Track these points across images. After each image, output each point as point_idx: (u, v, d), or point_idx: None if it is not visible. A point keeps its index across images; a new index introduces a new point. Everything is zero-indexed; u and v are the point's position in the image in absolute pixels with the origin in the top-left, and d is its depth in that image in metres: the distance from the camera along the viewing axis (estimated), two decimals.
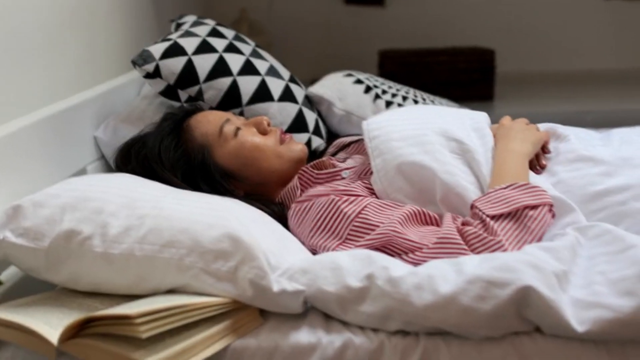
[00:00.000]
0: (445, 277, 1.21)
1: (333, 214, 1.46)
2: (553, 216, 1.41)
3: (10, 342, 1.23)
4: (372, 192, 1.56)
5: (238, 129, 1.69)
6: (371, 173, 1.58)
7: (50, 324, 1.18)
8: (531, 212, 1.36)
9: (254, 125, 1.73)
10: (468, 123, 1.65)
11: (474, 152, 1.54)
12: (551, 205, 1.40)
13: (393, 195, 1.52)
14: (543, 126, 1.73)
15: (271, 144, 1.70)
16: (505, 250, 1.30)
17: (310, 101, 2.16)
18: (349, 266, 1.27)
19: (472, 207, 1.40)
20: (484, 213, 1.36)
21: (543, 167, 1.60)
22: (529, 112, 1.88)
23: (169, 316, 1.13)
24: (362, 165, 1.69)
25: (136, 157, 1.68)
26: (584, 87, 3.30)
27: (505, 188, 1.41)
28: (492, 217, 1.35)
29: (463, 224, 1.38)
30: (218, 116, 1.73)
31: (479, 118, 1.69)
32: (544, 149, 1.63)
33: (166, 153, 1.65)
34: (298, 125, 2.02)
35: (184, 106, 1.88)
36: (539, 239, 1.36)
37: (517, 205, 1.36)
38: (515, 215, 1.36)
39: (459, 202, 1.47)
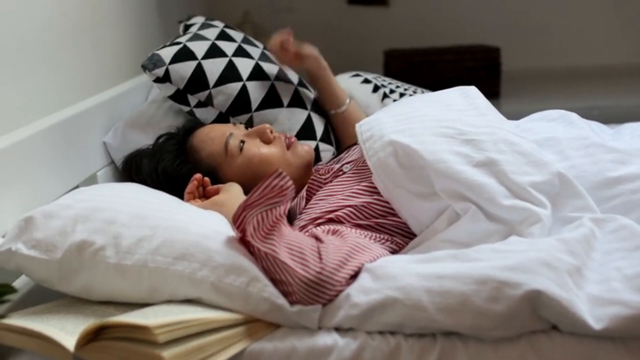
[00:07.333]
0: (456, 278, 1.19)
1: None
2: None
3: (26, 350, 1.23)
4: (376, 191, 1.53)
5: (242, 142, 1.68)
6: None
7: (65, 330, 1.18)
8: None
9: (258, 136, 1.72)
10: (459, 101, 1.65)
11: (467, 132, 1.51)
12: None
13: (395, 192, 1.49)
14: (557, 112, 1.73)
15: (278, 153, 1.70)
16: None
17: (319, 105, 2.16)
18: (356, 286, 1.24)
19: None
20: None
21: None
22: (535, 108, 1.88)
23: (185, 327, 1.13)
24: (361, 156, 1.65)
25: (138, 177, 1.70)
26: (589, 83, 3.30)
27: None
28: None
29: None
30: (220, 132, 1.73)
31: (467, 91, 1.70)
32: None
33: (172, 178, 1.66)
34: (306, 132, 2.01)
35: (184, 125, 1.86)
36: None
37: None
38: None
39: (457, 186, 1.42)
